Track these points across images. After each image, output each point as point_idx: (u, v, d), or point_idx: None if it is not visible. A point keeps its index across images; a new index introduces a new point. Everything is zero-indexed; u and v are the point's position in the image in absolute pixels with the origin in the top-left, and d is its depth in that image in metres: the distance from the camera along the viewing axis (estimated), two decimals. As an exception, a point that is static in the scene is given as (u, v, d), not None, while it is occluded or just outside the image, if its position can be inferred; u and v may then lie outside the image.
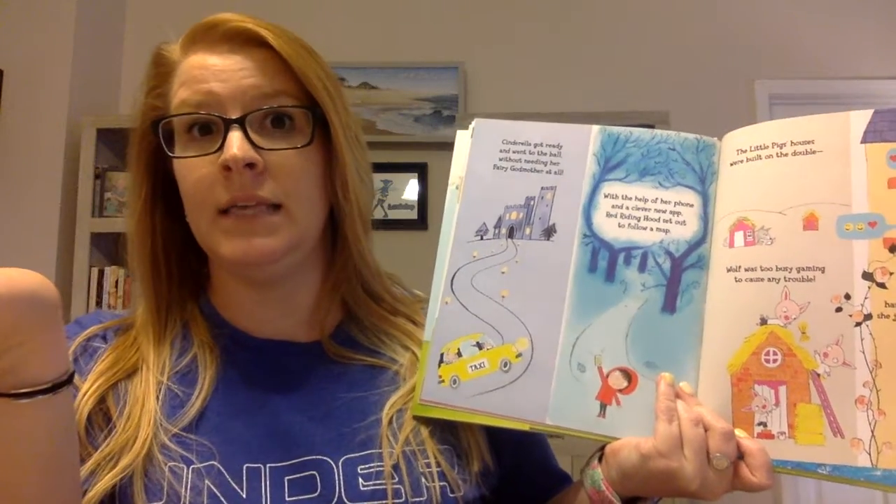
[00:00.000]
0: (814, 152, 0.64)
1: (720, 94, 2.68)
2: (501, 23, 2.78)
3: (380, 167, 2.59)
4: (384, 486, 0.65)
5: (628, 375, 0.66)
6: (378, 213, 2.64)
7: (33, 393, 0.51)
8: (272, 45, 0.68)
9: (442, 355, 0.71)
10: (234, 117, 0.66)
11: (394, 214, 2.67)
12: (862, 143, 0.63)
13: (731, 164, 0.68)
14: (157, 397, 0.67)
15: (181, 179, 0.69)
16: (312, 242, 0.72)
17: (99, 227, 2.44)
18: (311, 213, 0.70)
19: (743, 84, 2.71)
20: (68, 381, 0.54)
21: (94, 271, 2.43)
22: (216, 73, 0.67)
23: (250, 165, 0.65)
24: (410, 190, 2.68)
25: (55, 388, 0.52)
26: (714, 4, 2.77)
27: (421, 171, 2.67)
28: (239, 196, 0.65)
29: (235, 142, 0.65)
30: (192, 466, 0.64)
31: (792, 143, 0.65)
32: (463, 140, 0.76)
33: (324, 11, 2.76)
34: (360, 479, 0.66)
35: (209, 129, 0.67)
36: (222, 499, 0.62)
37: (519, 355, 0.69)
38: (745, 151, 0.67)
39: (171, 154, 0.68)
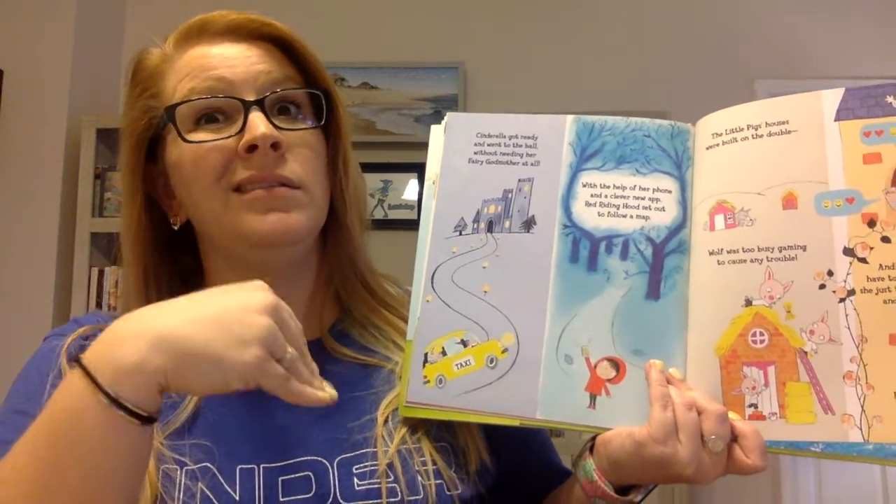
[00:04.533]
0: (789, 132, 0.65)
1: (720, 94, 2.65)
2: (501, 23, 2.77)
3: (380, 167, 2.59)
4: (379, 485, 0.64)
5: (616, 365, 0.65)
6: (378, 213, 2.61)
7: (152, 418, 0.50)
8: (278, 36, 0.69)
9: (426, 355, 0.69)
10: (251, 99, 0.66)
11: (393, 214, 2.65)
12: (835, 121, 0.64)
13: (708, 148, 0.68)
14: None
15: (190, 166, 0.67)
16: (320, 228, 0.72)
17: (99, 227, 2.42)
18: (325, 195, 0.71)
19: (743, 84, 2.71)
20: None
21: (94, 271, 2.41)
22: (223, 59, 0.67)
23: (274, 146, 0.65)
24: (410, 190, 2.67)
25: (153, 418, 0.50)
26: (714, 4, 2.78)
27: (421, 171, 2.57)
28: (259, 175, 0.66)
29: (261, 121, 0.65)
30: (185, 468, 0.62)
31: (767, 124, 0.66)
32: (437, 135, 0.75)
33: (324, 11, 2.74)
34: (355, 479, 0.65)
35: (216, 117, 0.67)
36: (215, 501, 0.61)
37: (505, 350, 0.68)
38: (721, 135, 0.68)
39: (187, 140, 0.67)
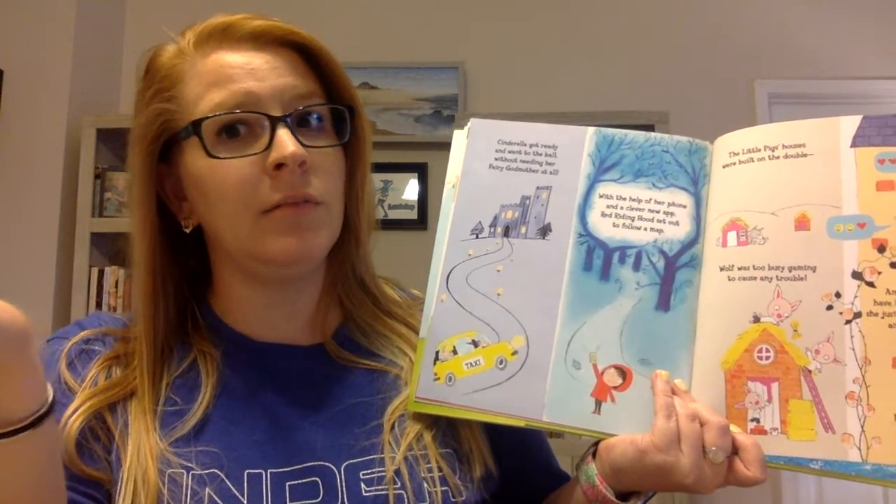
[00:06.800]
0: (805, 155, 0.66)
1: (720, 94, 2.68)
2: (501, 23, 2.78)
3: (380, 167, 2.60)
4: (386, 492, 0.65)
5: (623, 373, 0.67)
6: (378, 213, 2.58)
7: (13, 432, 0.48)
8: (302, 44, 0.68)
9: (437, 353, 0.71)
10: (278, 115, 0.65)
11: (394, 214, 2.67)
12: (851, 147, 0.65)
13: (724, 167, 0.70)
14: (157, 414, 0.66)
15: (215, 183, 0.65)
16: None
17: (99, 227, 2.42)
18: (342, 211, 0.71)
19: (743, 84, 2.72)
20: (49, 410, 0.50)
21: (94, 271, 2.42)
22: (251, 71, 0.65)
23: (301, 163, 0.64)
24: (410, 190, 2.68)
25: (36, 422, 0.49)
26: (714, 4, 2.78)
27: (421, 171, 2.67)
28: (290, 195, 0.64)
29: (289, 139, 0.64)
30: (192, 473, 0.63)
31: (783, 146, 0.67)
32: (459, 140, 0.77)
33: (324, 11, 2.76)
34: (363, 485, 0.66)
35: (238, 129, 0.65)
36: None
37: (515, 353, 0.69)
38: (738, 154, 0.69)
39: (213, 156, 0.65)
